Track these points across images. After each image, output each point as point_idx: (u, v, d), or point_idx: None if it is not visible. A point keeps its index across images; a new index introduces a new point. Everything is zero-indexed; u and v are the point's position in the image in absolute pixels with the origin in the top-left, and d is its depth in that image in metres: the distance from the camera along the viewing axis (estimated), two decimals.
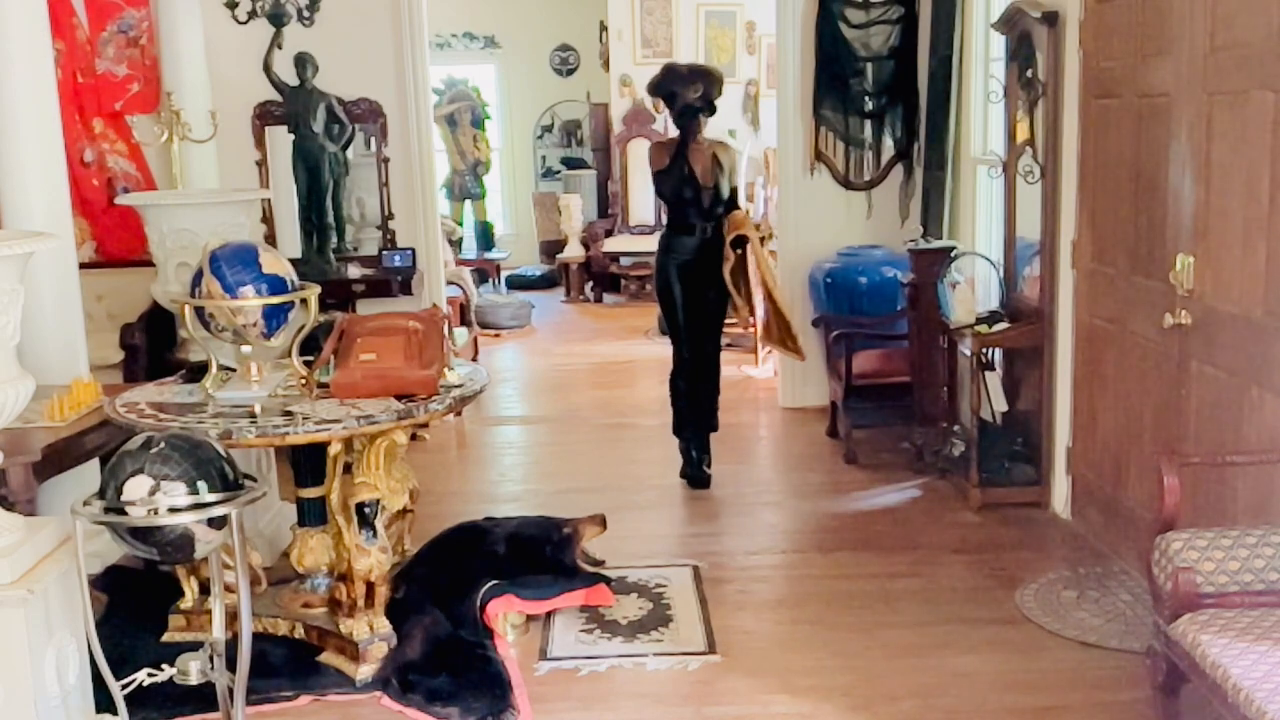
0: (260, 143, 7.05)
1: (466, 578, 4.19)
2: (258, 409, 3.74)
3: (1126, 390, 4.47)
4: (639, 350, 9.03)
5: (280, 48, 6.86)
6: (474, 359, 7.90)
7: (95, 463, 4.22)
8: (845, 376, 6.00)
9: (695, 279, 5.53)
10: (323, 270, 6.72)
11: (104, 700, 3.08)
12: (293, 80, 6.83)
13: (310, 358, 3.91)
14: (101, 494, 2.85)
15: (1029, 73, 5.12)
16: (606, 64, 12.06)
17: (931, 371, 5.74)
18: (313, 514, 4.13)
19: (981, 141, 6.23)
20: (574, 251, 11.72)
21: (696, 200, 5.50)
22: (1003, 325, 5.22)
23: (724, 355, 5.88)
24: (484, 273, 11.46)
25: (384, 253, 7.04)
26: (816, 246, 6.81)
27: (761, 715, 3.56)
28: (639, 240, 11.22)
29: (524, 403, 8.02)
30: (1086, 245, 4.79)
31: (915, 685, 3.67)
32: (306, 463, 4.10)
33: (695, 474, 5.69)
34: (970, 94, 6.27)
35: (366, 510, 3.77)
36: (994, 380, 5.27)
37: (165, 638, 4.05)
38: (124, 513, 2.79)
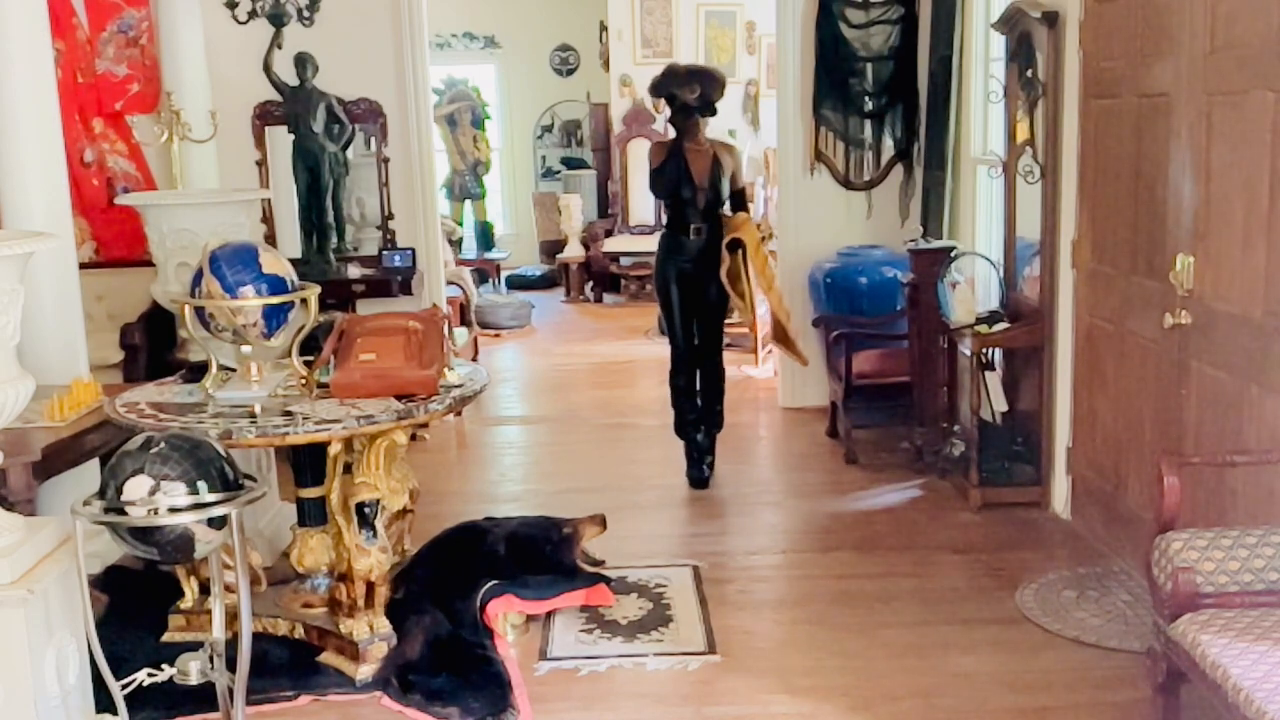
0: (260, 143, 7.05)
1: (466, 578, 4.19)
2: (258, 409, 3.73)
3: (1126, 390, 4.47)
4: (639, 350, 9.03)
5: (280, 48, 6.86)
6: (474, 359, 7.90)
7: (95, 463, 4.22)
8: (845, 376, 6.00)
9: (694, 279, 5.53)
10: (323, 270, 6.72)
11: (104, 700, 3.08)
12: (293, 80, 6.83)
13: (310, 358, 3.91)
14: (101, 494, 2.85)
15: (1029, 73, 5.12)
16: (606, 64, 12.07)
17: (931, 371, 5.74)
18: (313, 514, 4.13)
19: (981, 141, 6.23)
20: (574, 251, 11.72)
21: (693, 201, 5.50)
22: (1003, 325, 5.22)
23: (725, 355, 5.87)
24: (484, 273, 11.46)
25: (384, 253, 7.04)
26: (816, 246, 6.82)
27: (761, 715, 3.56)
28: (639, 240, 11.22)
29: (524, 403, 8.02)
30: (1086, 245, 4.79)
31: (915, 685, 3.67)
32: (306, 463, 4.10)
33: (695, 473, 5.69)
34: (970, 94, 6.27)
35: (366, 510, 3.77)
36: (994, 380, 5.27)
37: (165, 638, 4.05)
38: (124, 513, 2.79)
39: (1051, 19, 4.88)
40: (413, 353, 3.82)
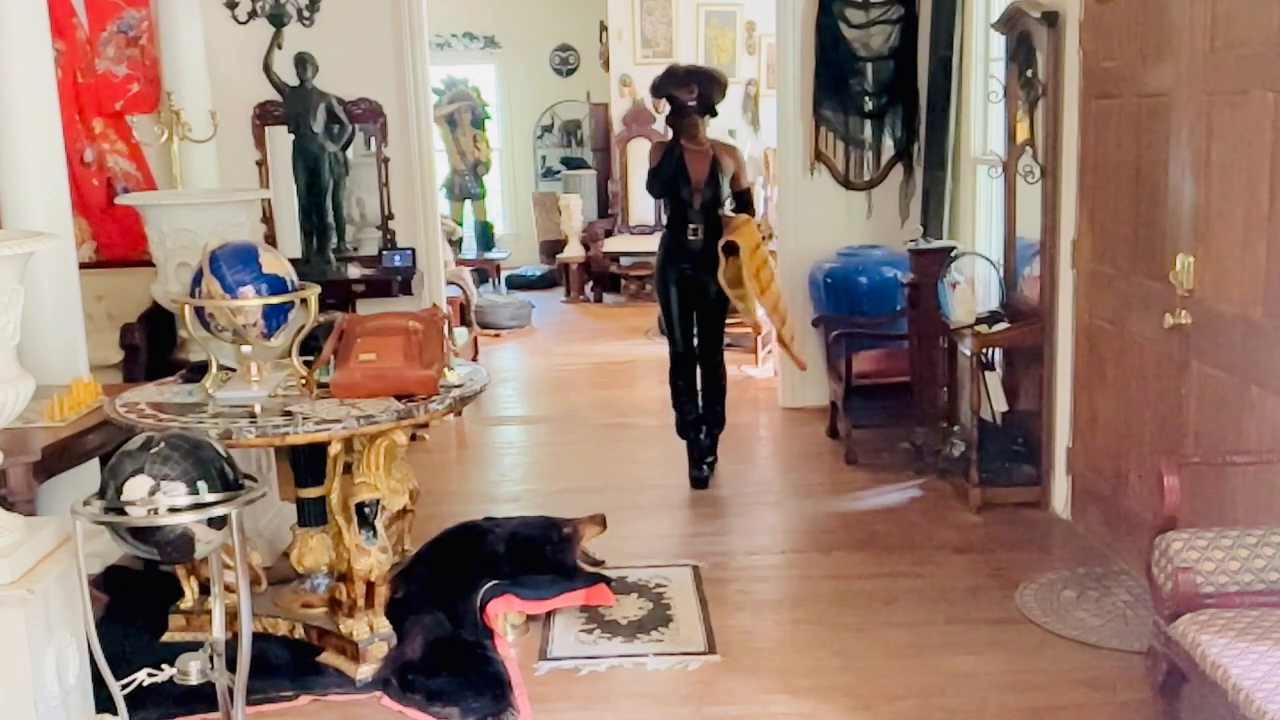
0: (260, 143, 7.05)
1: (466, 578, 4.19)
2: (258, 409, 3.73)
3: (1126, 390, 4.47)
4: (639, 350, 9.03)
5: (280, 48, 6.86)
6: (474, 359, 7.90)
7: (95, 463, 4.22)
8: (845, 376, 6.00)
9: (693, 279, 5.53)
10: (323, 270, 6.72)
11: (104, 700, 3.08)
12: (293, 80, 6.82)
13: (310, 358, 3.91)
14: (101, 494, 2.85)
15: (1029, 73, 5.12)
16: (606, 64, 12.06)
17: (931, 371, 5.74)
18: (313, 514, 4.13)
19: (981, 141, 6.23)
20: (574, 251, 11.71)
21: (691, 201, 5.51)
22: (1003, 325, 5.22)
23: (725, 355, 5.87)
24: (484, 273, 11.46)
25: (384, 253, 7.04)
26: (816, 246, 6.81)
27: (761, 715, 3.56)
28: (639, 240, 11.22)
29: (524, 403, 8.02)
30: (1086, 245, 4.79)
31: (915, 685, 3.67)
32: (306, 463, 4.10)
33: (695, 473, 5.69)
34: (970, 94, 6.27)
35: (366, 510, 3.77)
36: (994, 380, 5.27)
37: (165, 638, 4.05)
38: (124, 513, 2.79)
39: (1051, 19, 4.88)
40: (413, 353, 3.82)
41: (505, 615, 4.09)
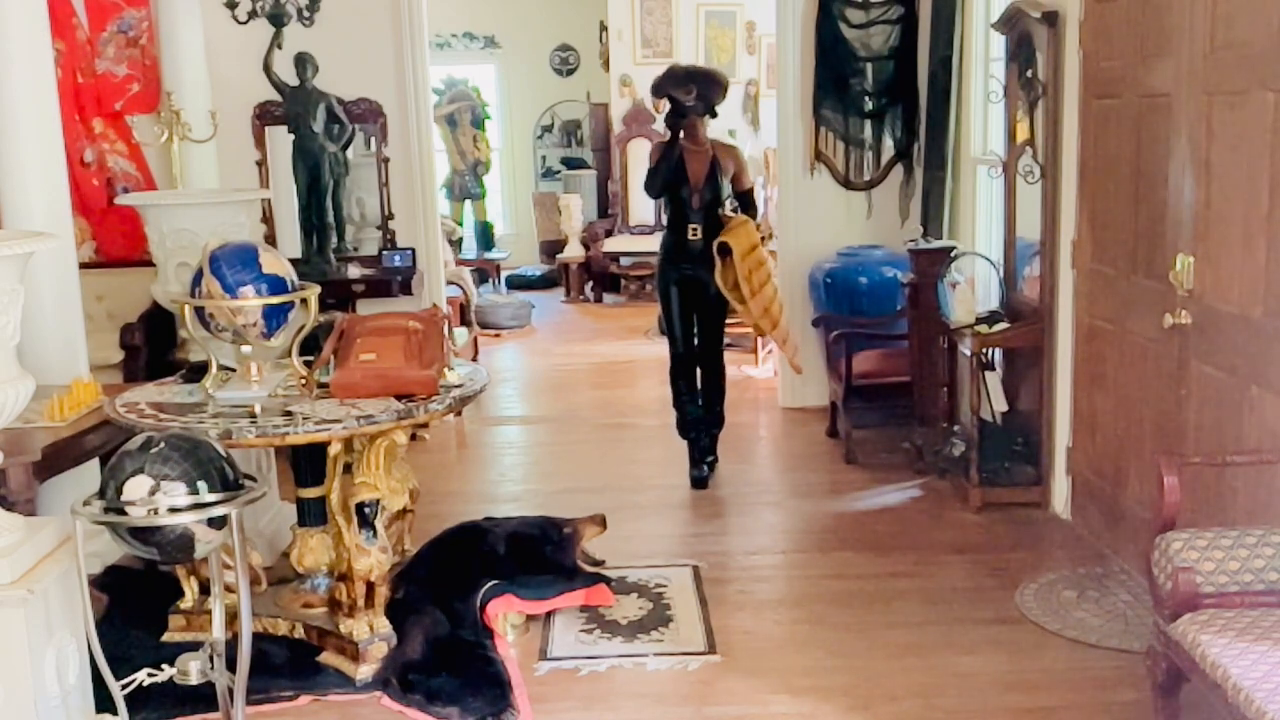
0: (260, 143, 7.06)
1: (466, 578, 4.19)
2: (258, 409, 3.73)
3: (1126, 390, 4.47)
4: (639, 350, 9.03)
5: (280, 48, 6.86)
6: (474, 359, 7.90)
7: (95, 463, 4.22)
8: (845, 376, 6.00)
9: (693, 279, 5.53)
10: (323, 270, 6.72)
11: (104, 700, 3.08)
12: (293, 80, 6.83)
13: (310, 358, 3.91)
14: (101, 494, 2.85)
15: (1029, 73, 5.12)
16: (606, 64, 12.06)
17: (931, 371, 5.73)
18: (313, 514, 4.13)
19: (981, 141, 6.23)
20: (574, 251, 11.71)
21: (690, 201, 5.51)
22: (1003, 325, 5.22)
23: (725, 355, 5.87)
24: (484, 273, 11.46)
25: (384, 253, 7.04)
26: (816, 246, 6.81)
27: (761, 715, 3.56)
28: (639, 240, 11.22)
29: (524, 403, 8.02)
30: (1086, 245, 4.79)
31: (915, 685, 3.67)
32: (306, 463, 4.10)
33: (695, 473, 5.69)
34: (970, 94, 6.27)
35: (366, 510, 3.77)
36: (994, 380, 5.27)
37: (165, 638, 4.05)
38: (124, 513, 2.79)
39: (1051, 19, 4.88)
40: (413, 353, 3.82)
41: (505, 615, 4.09)
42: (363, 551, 3.78)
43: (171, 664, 3.07)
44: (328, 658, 3.88)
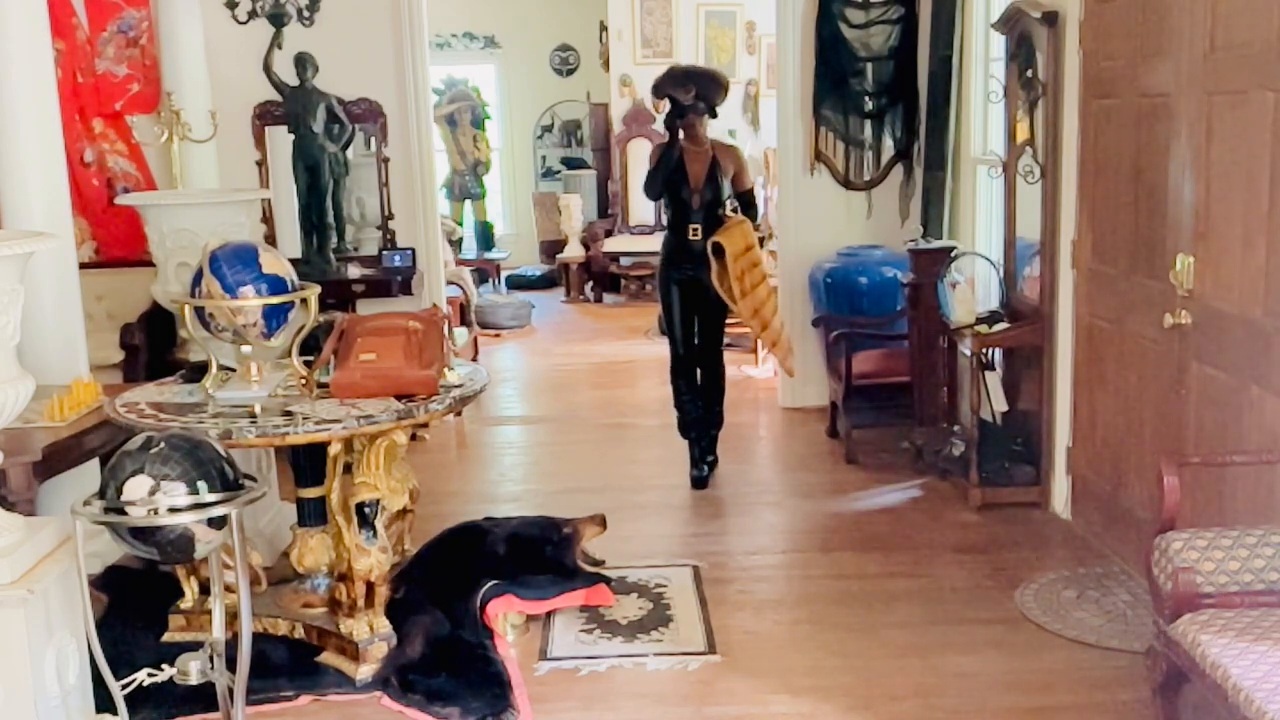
0: (260, 143, 7.06)
1: (466, 578, 4.19)
2: (258, 409, 3.73)
3: (1126, 390, 4.47)
4: (639, 350, 9.03)
5: (280, 48, 6.86)
6: (474, 359, 7.90)
7: (95, 463, 4.22)
8: (845, 376, 6.00)
9: (694, 280, 5.52)
10: (323, 270, 6.72)
11: (104, 700, 3.08)
12: (293, 80, 6.83)
13: (310, 358, 3.91)
14: (101, 494, 2.85)
15: (1029, 73, 5.12)
16: (606, 64, 12.06)
17: (931, 371, 5.74)
18: (313, 514, 4.13)
19: (981, 141, 6.23)
20: (574, 251, 11.72)
21: (690, 202, 5.51)
22: (1003, 325, 5.22)
23: (725, 355, 5.87)
24: (484, 273, 11.46)
25: (384, 253, 7.04)
26: (816, 246, 6.81)
27: (761, 715, 3.56)
28: (639, 240, 11.23)
29: (524, 403, 8.02)
30: (1086, 245, 4.79)
31: (915, 685, 3.67)
32: (306, 463, 4.10)
33: (694, 473, 5.70)
34: (970, 94, 6.27)
35: (366, 510, 3.77)
36: (994, 380, 5.27)
37: (165, 638, 4.04)
38: (124, 513, 2.79)
39: (1051, 19, 4.88)
40: (413, 353, 3.82)
41: (505, 615, 4.09)
42: (363, 551, 3.78)
43: (171, 664, 3.07)
44: (328, 658, 3.88)
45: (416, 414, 3.72)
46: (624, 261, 11.25)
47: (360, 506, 3.76)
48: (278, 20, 6.85)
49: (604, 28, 12.07)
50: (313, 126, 6.82)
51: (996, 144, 5.85)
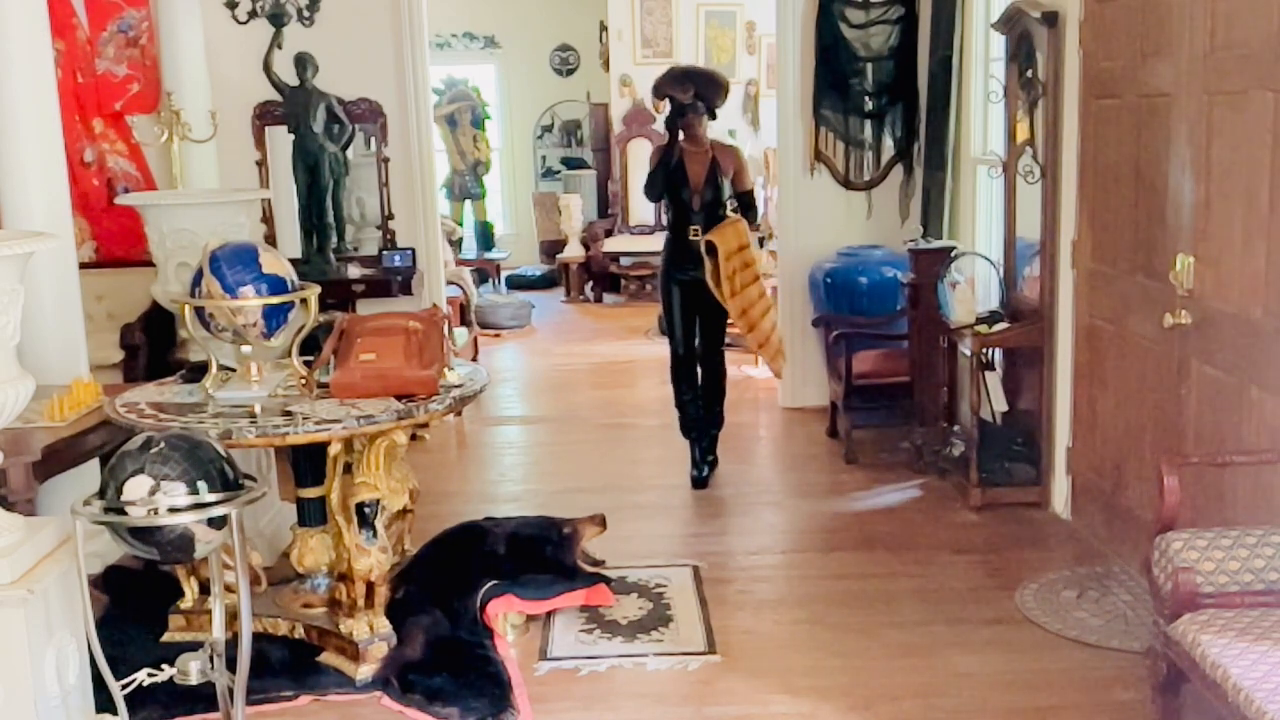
0: (260, 143, 7.06)
1: (466, 578, 4.19)
2: (258, 409, 3.73)
3: (1126, 390, 4.47)
4: (639, 350, 9.03)
5: (280, 48, 6.86)
6: (474, 359, 7.90)
7: (95, 463, 4.22)
8: (845, 376, 6.00)
9: (695, 281, 5.52)
10: (323, 270, 6.72)
11: (104, 700, 3.08)
12: (293, 80, 6.83)
13: (310, 358, 3.91)
14: (101, 494, 2.85)
15: (1029, 73, 5.12)
16: (606, 64, 12.06)
17: (931, 371, 5.74)
18: (313, 514, 4.13)
19: (981, 141, 6.23)
20: (574, 251, 11.72)
21: (690, 202, 5.51)
22: (1003, 325, 5.22)
23: (726, 355, 5.87)
24: (484, 273, 11.46)
25: (384, 253, 7.04)
26: (816, 246, 6.81)
27: (761, 715, 3.56)
28: (639, 240, 11.23)
29: (524, 403, 8.02)
30: (1086, 245, 4.79)
31: (915, 685, 3.67)
32: (306, 463, 4.10)
33: (694, 473, 5.70)
34: (970, 94, 6.27)
35: (366, 510, 3.77)
36: (994, 380, 5.27)
37: (165, 638, 4.05)
38: (124, 513, 2.79)
39: (1051, 19, 4.88)
40: (413, 353, 3.82)
41: (505, 615, 4.09)
42: (363, 551, 3.78)
43: (171, 664, 3.07)
44: (328, 658, 3.88)
45: (416, 414, 3.72)
46: (624, 261, 11.25)
47: (360, 506, 3.76)
48: (278, 20, 6.86)
49: (604, 28, 12.07)
50: (313, 126, 6.82)
51: (996, 144, 5.85)
